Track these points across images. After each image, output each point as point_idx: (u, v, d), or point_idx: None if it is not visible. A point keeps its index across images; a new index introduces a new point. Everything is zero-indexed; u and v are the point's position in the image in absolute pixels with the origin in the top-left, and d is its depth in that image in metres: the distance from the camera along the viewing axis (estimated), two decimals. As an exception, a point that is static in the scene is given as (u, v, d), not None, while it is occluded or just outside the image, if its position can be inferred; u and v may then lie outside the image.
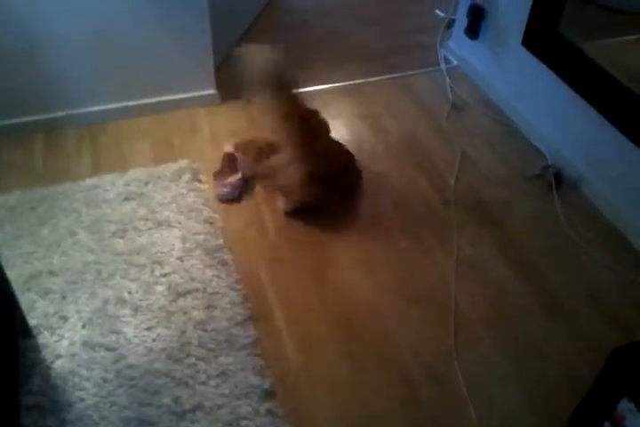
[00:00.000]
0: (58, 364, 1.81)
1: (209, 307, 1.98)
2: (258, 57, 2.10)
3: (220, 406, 1.72)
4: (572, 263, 2.19)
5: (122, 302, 1.98)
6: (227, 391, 1.76)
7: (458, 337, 1.94)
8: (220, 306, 1.98)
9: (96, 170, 2.49)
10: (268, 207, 2.35)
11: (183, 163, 2.51)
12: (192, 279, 2.06)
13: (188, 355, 1.84)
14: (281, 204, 2.33)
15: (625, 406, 1.41)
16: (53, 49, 2.48)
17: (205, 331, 1.91)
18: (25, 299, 1.94)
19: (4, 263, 1.70)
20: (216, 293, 2.02)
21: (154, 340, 1.88)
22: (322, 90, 3.03)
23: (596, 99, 2.31)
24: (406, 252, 2.22)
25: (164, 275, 2.07)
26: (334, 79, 3.10)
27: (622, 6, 2.52)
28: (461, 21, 3.10)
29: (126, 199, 2.33)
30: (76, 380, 1.77)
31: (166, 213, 2.29)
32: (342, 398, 1.78)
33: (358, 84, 3.08)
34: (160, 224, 2.24)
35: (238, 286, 2.05)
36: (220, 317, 1.95)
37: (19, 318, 1.83)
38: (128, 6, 2.45)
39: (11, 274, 1.78)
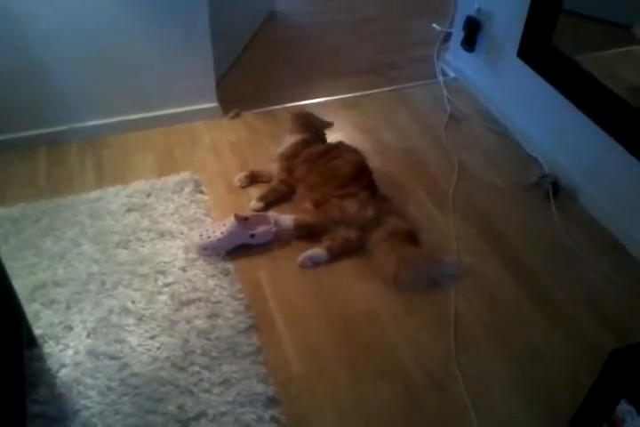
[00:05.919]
0: (63, 373, 1.83)
1: (212, 316, 2.00)
2: None
3: (223, 414, 1.73)
4: (570, 271, 2.22)
5: (126, 311, 2.00)
6: (230, 399, 1.77)
7: (458, 343, 1.95)
8: (223, 315, 2.00)
9: (99, 182, 2.52)
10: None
11: (185, 175, 2.54)
12: (195, 289, 2.08)
13: (192, 363, 1.86)
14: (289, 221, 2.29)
15: (623, 408, 1.43)
16: (56, 64, 2.51)
17: (209, 339, 1.93)
18: (30, 309, 1.96)
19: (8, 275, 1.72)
20: (219, 302, 2.04)
21: (158, 348, 1.90)
22: (320, 103, 3.06)
23: (591, 109, 2.35)
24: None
25: (167, 284, 2.09)
26: (333, 92, 3.13)
27: (615, 19, 2.57)
28: (458, 34, 3.15)
29: (129, 211, 2.36)
30: (81, 388, 1.79)
31: (169, 223, 2.31)
32: (344, 405, 1.79)
33: (356, 97, 3.12)
34: (163, 235, 2.26)
35: (240, 295, 2.07)
36: (223, 325, 1.97)
37: (24, 329, 1.84)
38: (130, 22, 2.49)
39: (16, 285, 1.79)
